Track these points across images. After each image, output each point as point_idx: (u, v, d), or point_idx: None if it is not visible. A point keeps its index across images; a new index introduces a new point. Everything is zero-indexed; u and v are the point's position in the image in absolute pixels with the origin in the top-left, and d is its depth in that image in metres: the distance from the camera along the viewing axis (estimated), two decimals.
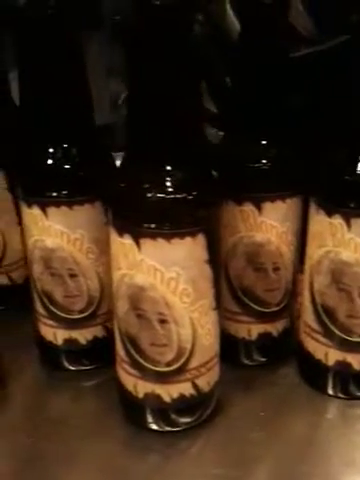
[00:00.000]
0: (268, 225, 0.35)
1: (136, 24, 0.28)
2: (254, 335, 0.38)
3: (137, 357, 0.32)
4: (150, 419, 0.34)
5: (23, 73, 0.40)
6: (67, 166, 0.35)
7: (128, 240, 0.29)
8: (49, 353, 0.40)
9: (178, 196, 0.29)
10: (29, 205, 0.35)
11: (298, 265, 0.38)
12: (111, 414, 0.35)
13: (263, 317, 0.38)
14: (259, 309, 0.38)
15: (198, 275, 0.30)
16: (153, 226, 0.29)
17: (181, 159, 0.29)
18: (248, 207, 0.35)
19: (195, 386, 0.33)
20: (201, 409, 0.34)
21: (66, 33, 0.33)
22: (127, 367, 0.33)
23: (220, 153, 0.36)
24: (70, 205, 0.35)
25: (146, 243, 0.29)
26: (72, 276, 0.36)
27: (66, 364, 0.39)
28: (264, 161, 0.35)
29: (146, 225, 0.29)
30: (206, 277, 0.31)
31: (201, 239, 0.30)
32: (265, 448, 0.33)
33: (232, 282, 0.37)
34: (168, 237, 0.29)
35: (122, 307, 0.31)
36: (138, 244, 0.29)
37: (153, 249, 0.29)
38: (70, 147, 0.35)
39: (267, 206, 0.35)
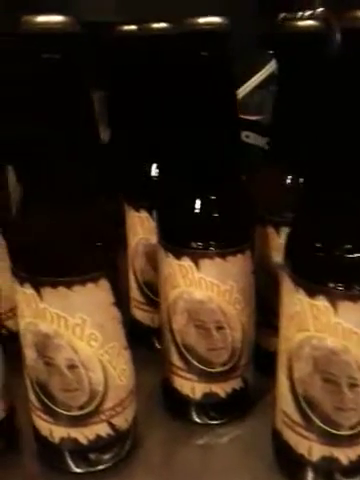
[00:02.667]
0: (208, 282, 0.34)
1: None
2: (198, 394, 0.37)
3: (49, 403, 0.32)
4: (70, 462, 0.33)
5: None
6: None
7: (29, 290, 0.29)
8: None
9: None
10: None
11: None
12: None
13: (208, 376, 0.36)
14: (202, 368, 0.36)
15: (105, 318, 0.30)
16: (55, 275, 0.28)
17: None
18: (186, 262, 0.33)
19: (112, 426, 0.33)
20: (118, 446, 0.34)
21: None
22: (40, 413, 0.32)
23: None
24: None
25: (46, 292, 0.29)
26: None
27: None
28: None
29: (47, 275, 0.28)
30: (114, 318, 0.31)
31: (105, 283, 0.30)
32: None
33: (175, 337, 0.36)
34: (69, 285, 0.29)
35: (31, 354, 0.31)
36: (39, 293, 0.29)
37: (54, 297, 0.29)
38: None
39: (205, 262, 0.33)
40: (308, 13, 0.46)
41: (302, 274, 0.28)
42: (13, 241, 0.30)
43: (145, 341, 0.45)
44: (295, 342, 0.30)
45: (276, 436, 0.34)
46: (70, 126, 0.27)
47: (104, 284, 0.29)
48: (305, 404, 0.30)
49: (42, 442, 0.33)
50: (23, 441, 0.36)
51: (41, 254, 0.28)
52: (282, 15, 0.51)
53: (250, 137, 0.54)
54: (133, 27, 0.44)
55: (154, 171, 0.41)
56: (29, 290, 0.29)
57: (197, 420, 0.38)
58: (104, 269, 0.29)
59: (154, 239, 0.42)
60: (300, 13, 0.47)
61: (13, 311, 0.42)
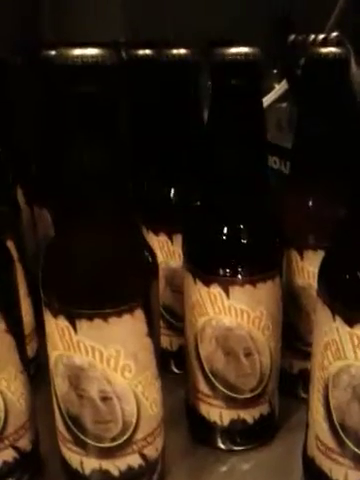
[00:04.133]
0: (237, 309, 0.33)
1: None
2: (226, 420, 0.36)
3: (80, 435, 0.31)
4: None
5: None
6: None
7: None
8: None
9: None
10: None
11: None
12: None
13: (236, 403, 0.36)
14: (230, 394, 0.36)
15: (139, 349, 0.30)
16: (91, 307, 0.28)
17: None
18: (216, 289, 0.33)
19: (143, 456, 0.32)
20: (148, 476, 0.34)
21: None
22: (71, 445, 0.32)
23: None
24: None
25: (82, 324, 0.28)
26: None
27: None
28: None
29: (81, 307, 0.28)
30: (147, 348, 0.30)
31: (140, 314, 0.29)
32: None
33: (203, 364, 0.36)
34: (105, 316, 0.28)
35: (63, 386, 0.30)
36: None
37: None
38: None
39: (235, 289, 0.33)
40: (321, 37, 0.46)
41: (340, 302, 0.28)
42: (47, 273, 0.29)
43: (163, 365, 0.44)
44: (332, 370, 0.29)
45: (308, 462, 0.33)
46: (112, 158, 0.27)
47: (139, 314, 0.29)
48: (342, 432, 0.30)
49: (71, 474, 0.33)
50: (47, 472, 0.36)
51: (78, 286, 0.28)
52: (292, 37, 0.52)
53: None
54: (149, 51, 0.44)
55: (176, 195, 0.40)
56: (63, 322, 0.29)
57: (223, 447, 0.37)
58: (140, 299, 0.29)
59: (174, 263, 0.42)
60: (313, 36, 0.48)
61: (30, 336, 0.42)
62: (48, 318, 0.30)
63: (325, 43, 0.45)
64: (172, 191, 0.41)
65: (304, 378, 0.41)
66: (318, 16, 0.57)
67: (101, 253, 0.28)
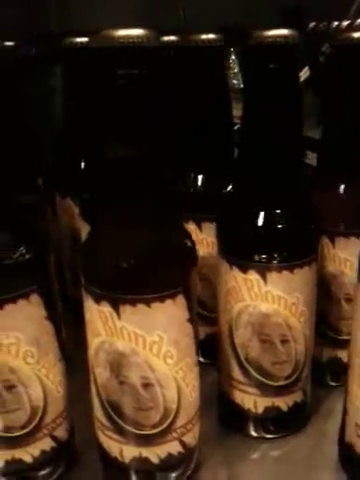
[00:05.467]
0: (275, 295, 0.33)
1: None
2: (260, 408, 0.36)
3: (121, 422, 0.31)
4: None
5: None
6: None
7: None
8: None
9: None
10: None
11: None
12: None
13: (271, 390, 0.36)
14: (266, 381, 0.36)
15: (181, 335, 0.30)
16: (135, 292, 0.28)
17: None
18: (253, 276, 0.33)
19: (182, 443, 0.32)
20: (186, 463, 0.34)
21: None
22: (111, 433, 0.32)
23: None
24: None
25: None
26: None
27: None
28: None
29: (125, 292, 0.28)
30: (188, 334, 0.30)
31: (181, 300, 0.29)
32: None
33: (237, 351, 0.35)
34: (149, 302, 0.28)
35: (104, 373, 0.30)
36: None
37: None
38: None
39: (273, 276, 0.33)
40: (346, 23, 0.46)
41: None
42: (90, 259, 0.29)
43: None
44: None
45: (346, 449, 0.33)
46: (156, 144, 0.27)
47: (181, 300, 0.29)
48: None
49: (110, 463, 0.32)
50: (83, 462, 0.35)
51: (123, 272, 0.28)
52: (312, 24, 0.52)
53: None
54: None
55: (204, 183, 0.40)
56: (106, 308, 0.28)
57: (256, 434, 0.37)
58: (181, 285, 0.29)
59: (202, 251, 0.41)
60: (336, 23, 0.48)
61: None
62: (89, 304, 0.29)
63: (350, 29, 0.45)
64: (200, 179, 0.40)
65: (333, 366, 0.42)
66: (332, 3, 0.57)
67: (146, 239, 0.28)
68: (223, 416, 0.39)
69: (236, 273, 0.33)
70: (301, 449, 0.37)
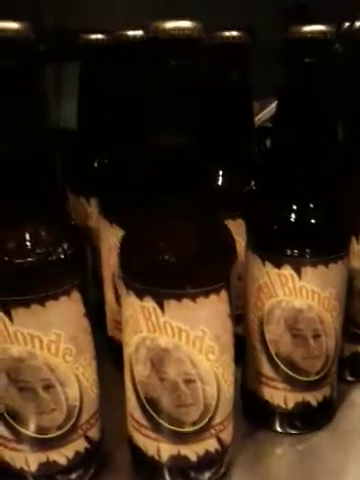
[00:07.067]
0: (309, 290, 0.33)
1: None
2: (290, 403, 0.36)
3: (160, 420, 0.30)
4: None
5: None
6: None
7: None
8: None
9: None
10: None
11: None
12: None
13: (302, 385, 0.36)
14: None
15: (223, 330, 0.30)
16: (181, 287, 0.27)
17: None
18: (287, 271, 0.33)
19: (219, 440, 0.32)
20: (221, 461, 0.33)
21: None
22: (148, 432, 0.31)
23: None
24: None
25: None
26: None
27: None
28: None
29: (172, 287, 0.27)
30: (229, 330, 0.30)
31: (224, 294, 0.29)
32: None
33: (268, 347, 0.35)
34: (194, 296, 0.28)
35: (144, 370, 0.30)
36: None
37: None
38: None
39: (308, 270, 0.33)
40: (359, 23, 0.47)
41: None
42: (133, 255, 0.28)
43: None
44: None
45: None
46: (202, 136, 0.27)
47: (224, 295, 0.29)
48: None
49: (145, 461, 0.32)
50: (113, 462, 0.35)
51: (168, 267, 0.27)
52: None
53: None
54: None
55: (228, 180, 0.40)
56: (149, 303, 0.28)
57: (284, 430, 0.37)
58: (224, 280, 0.29)
59: None
60: (347, 24, 0.48)
61: None
62: (130, 300, 0.29)
63: None
64: (225, 176, 0.40)
65: (354, 362, 0.42)
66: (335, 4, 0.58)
67: (192, 233, 0.28)
68: (250, 412, 0.38)
69: (269, 268, 0.33)
70: (328, 443, 0.38)
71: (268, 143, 0.52)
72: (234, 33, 0.37)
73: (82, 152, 0.45)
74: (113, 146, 0.39)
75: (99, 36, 0.41)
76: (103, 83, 0.41)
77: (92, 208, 0.44)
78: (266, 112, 0.60)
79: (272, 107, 0.59)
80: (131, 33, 0.37)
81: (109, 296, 0.42)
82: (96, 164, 0.43)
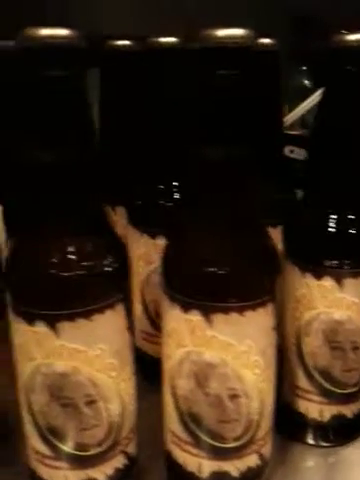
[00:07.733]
0: (349, 301, 0.33)
1: None
2: (326, 416, 0.36)
3: (202, 436, 0.30)
4: None
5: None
6: None
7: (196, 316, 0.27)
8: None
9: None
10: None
11: None
12: None
13: (339, 398, 0.35)
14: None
15: (267, 344, 0.29)
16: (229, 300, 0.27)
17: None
18: (328, 282, 0.32)
19: (260, 456, 0.31)
20: (261, 476, 0.33)
21: None
22: (189, 448, 0.30)
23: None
24: None
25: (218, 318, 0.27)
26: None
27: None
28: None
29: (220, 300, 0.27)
30: (273, 344, 0.30)
31: (271, 308, 0.28)
32: None
33: (305, 360, 0.35)
34: (241, 310, 0.27)
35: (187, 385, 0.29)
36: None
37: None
38: None
39: (349, 281, 0.32)
40: None
41: None
42: (177, 266, 0.28)
43: None
44: None
45: None
46: (244, 148, 0.26)
47: (270, 308, 0.28)
48: None
49: (184, 477, 0.31)
50: (147, 478, 0.34)
51: (218, 279, 0.27)
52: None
53: (294, 152, 0.54)
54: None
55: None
56: (196, 317, 0.27)
57: (319, 443, 0.37)
58: (271, 293, 0.28)
59: None
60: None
61: None
62: (174, 313, 0.28)
63: None
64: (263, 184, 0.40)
65: None
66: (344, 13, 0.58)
67: (240, 245, 0.27)
68: (283, 425, 0.38)
69: (309, 280, 0.33)
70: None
71: (287, 150, 0.52)
72: (267, 40, 0.37)
73: (106, 160, 0.44)
74: (140, 156, 0.39)
75: (126, 42, 0.40)
76: (130, 90, 0.41)
77: (117, 217, 0.44)
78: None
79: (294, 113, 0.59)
80: (164, 40, 0.37)
81: (137, 306, 0.41)
82: (123, 173, 0.42)
